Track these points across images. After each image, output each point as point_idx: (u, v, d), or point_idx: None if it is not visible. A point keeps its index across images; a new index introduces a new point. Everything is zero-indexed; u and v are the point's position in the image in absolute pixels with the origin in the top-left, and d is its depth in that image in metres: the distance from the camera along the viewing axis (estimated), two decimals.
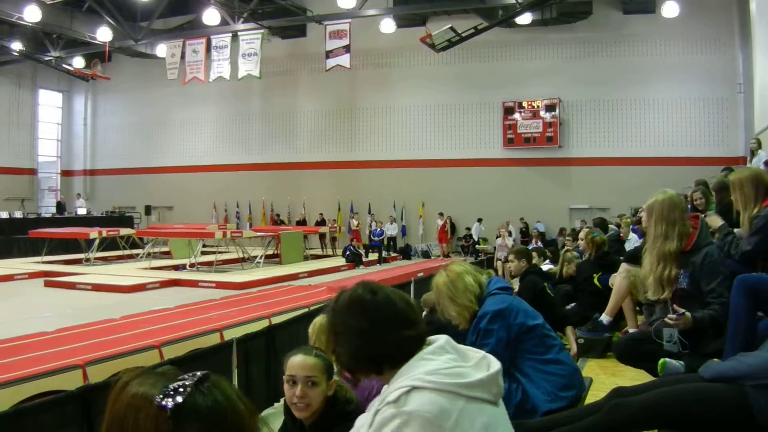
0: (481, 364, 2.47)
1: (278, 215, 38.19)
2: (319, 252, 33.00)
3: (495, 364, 2.50)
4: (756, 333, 4.18)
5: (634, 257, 7.22)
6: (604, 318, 7.58)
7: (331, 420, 3.62)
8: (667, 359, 4.55)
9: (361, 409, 3.89)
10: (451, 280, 4.80)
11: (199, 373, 1.63)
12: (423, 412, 2.23)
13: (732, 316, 4.22)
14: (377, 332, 2.52)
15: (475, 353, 2.54)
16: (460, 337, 5.08)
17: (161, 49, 36.28)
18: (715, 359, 3.81)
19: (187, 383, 1.59)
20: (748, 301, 4.17)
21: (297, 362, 3.77)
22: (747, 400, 3.18)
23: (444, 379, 2.31)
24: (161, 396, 1.56)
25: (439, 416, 2.23)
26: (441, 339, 2.54)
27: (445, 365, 2.37)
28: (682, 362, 4.53)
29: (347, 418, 3.43)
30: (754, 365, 3.26)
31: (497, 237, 28.03)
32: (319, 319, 5.57)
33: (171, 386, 1.57)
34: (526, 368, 4.63)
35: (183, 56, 34.34)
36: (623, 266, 7.52)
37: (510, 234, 28.69)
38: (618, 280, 7.50)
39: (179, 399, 1.55)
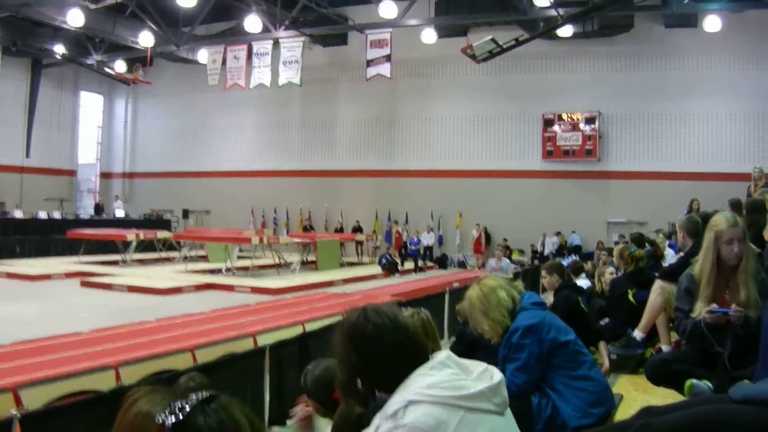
0: (484, 376, 2.50)
1: (309, 221, 38.20)
2: (355, 260, 33.03)
3: (497, 375, 2.51)
4: None
5: (670, 274, 7.16)
6: (638, 334, 7.53)
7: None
8: (693, 381, 4.51)
9: None
10: (484, 294, 4.81)
11: (206, 393, 1.65)
12: (420, 423, 2.27)
13: (764, 338, 4.17)
14: (366, 365, 2.57)
15: (478, 366, 2.57)
16: (491, 350, 5.09)
17: (202, 55, 36.49)
18: (746, 381, 3.76)
19: (190, 402, 1.60)
20: None
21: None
22: None
23: (441, 392, 2.35)
24: (163, 414, 1.58)
25: (435, 427, 2.27)
26: (442, 354, 2.57)
27: (444, 379, 2.41)
28: (708, 383, 4.50)
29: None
30: None
31: (491, 257, 25.54)
32: None
33: (174, 405, 1.59)
34: (557, 384, 4.64)
35: (224, 62, 34.48)
36: (658, 283, 7.46)
37: (508, 254, 28.34)
38: (652, 296, 7.44)
39: (179, 417, 1.57)
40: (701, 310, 4.83)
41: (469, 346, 7.42)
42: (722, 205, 11.04)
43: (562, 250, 31.70)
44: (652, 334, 7.66)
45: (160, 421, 1.57)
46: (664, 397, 5.33)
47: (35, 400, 7.62)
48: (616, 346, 7.62)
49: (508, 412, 2.53)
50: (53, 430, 5.97)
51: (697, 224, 7.18)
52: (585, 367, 4.71)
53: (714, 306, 4.72)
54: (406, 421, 2.28)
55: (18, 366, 9.13)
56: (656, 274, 8.25)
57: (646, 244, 12.83)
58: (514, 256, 33.05)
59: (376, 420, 2.45)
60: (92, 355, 9.95)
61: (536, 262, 31.11)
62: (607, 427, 4.11)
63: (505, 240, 33.43)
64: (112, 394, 6.43)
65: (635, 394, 6.14)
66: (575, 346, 4.77)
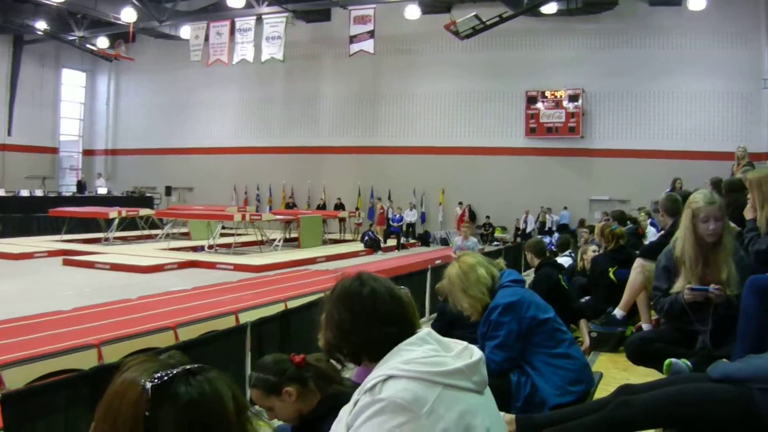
0: (463, 354, 2.49)
1: (291, 198, 38.39)
2: (337, 236, 33.02)
3: (477, 354, 2.51)
4: (766, 334, 4.16)
5: (650, 252, 7.18)
6: (618, 312, 7.55)
7: (319, 415, 3.60)
8: (672, 359, 4.52)
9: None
10: (463, 271, 4.82)
11: (192, 366, 1.66)
12: (397, 398, 2.26)
13: (742, 317, 4.19)
14: (357, 326, 2.56)
15: (458, 344, 2.56)
16: (471, 327, 5.11)
17: (185, 31, 36.43)
18: (724, 360, 3.79)
19: (175, 371, 1.62)
20: (759, 303, 4.13)
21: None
22: (753, 403, 3.17)
23: (420, 367, 2.34)
24: (146, 381, 1.60)
25: (413, 402, 2.25)
26: (422, 331, 2.57)
27: (423, 355, 2.40)
28: (687, 362, 4.51)
29: (339, 407, 3.43)
30: (761, 368, 3.24)
31: (457, 236, 22.36)
32: None
33: (159, 373, 1.61)
34: (536, 362, 4.66)
35: (207, 38, 34.44)
36: (638, 261, 7.47)
37: (491, 230, 28.25)
38: (633, 275, 7.46)
39: (158, 383, 1.59)
40: (682, 287, 4.84)
41: (448, 323, 7.44)
42: (704, 184, 11.08)
43: (544, 227, 31.80)
44: (632, 313, 7.68)
45: (141, 386, 1.60)
46: (644, 375, 5.36)
47: (17, 379, 7.61)
48: (596, 323, 7.64)
49: (488, 390, 2.53)
50: (34, 409, 5.96)
51: (675, 202, 7.19)
52: (564, 345, 4.73)
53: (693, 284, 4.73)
54: (384, 395, 2.28)
55: (0, 345, 9.11)
56: (637, 252, 8.28)
57: (628, 222, 12.88)
58: (497, 234, 33.30)
59: (355, 395, 2.45)
60: (74, 333, 9.95)
61: (519, 239, 31.26)
62: (586, 405, 4.12)
63: (488, 217, 33.67)
64: (93, 373, 6.42)
65: (615, 372, 6.16)
66: (554, 323, 4.79)
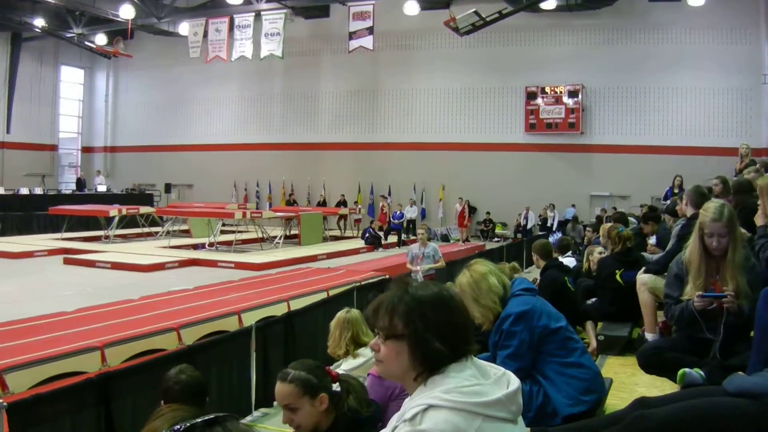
0: (501, 381, 2.44)
1: (291, 195, 38.43)
2: (338, 233, 33.01)
3: (514, 382, 2.46)
4: None
5: (656, 270, 7.10)
6: (648, 336, 7.39)
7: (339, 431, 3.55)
8: (686, 369, 4.48)
9: (380, 411, 3.85)
10: (475, 280, 4.77)
11: (212, 416, 1.66)
12: (437, 430, 2.22)
13: (758, 330, 4.14)
14: (448, 331, 2.43)
15: (496, 370, 2.50)
16: (478, 330, 5.08)
17: (184, 28, 36.36)
18: (740, 372, 3.75)
19: (194, 423, 1.62)
20: None
21: (276, 391, 3.69)
22: None
23: (461, 398, 2.29)
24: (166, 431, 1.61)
25: None
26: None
27: (463, 383, 2.35)
28: (701, 372, 4.48)
29: (358, 426, 3.36)
30: None
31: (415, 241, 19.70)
32: (342, 314, 5.53)
33: (179, 425, 1.61)
34: (548, 371, 4.61)
35: (206, 35, 34.42)
36: (641, 279, 7.29)
37: (490, 227, 28.31)
38: (641, 295, 7.27)
39: None
40: (692, 294, 4.81)
41: None
42: (705, 181, 11.02)
43: (546, 224, 31.76)
44: (637, 315, 7.61)
45: None
46: (652, 379, 5.35)
47: (22, 383, 7.61)
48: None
49: (520, 419, 2.49)
50: (40, 416, 5.93)
51: (703, 197, 7.07)
52: (576, 354, 4.68)
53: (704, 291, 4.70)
54: (424, 426, 2.25)
55: (3, 348, 9.09)
56: (643, 254, 8.23)
57: (630, 220, 12.85)
58: (497, 230, 33.35)
59: (393, 421, 2.43)
60: (77, 335, 9.95)
61: (519, 235, 31.32)
62: (601, 418, 4.10)
63: (488, 213, 33.59)
64: (98, 379, 6.40)
65: (623, 377, 6.13)
66: (566, 332, 4.74)
